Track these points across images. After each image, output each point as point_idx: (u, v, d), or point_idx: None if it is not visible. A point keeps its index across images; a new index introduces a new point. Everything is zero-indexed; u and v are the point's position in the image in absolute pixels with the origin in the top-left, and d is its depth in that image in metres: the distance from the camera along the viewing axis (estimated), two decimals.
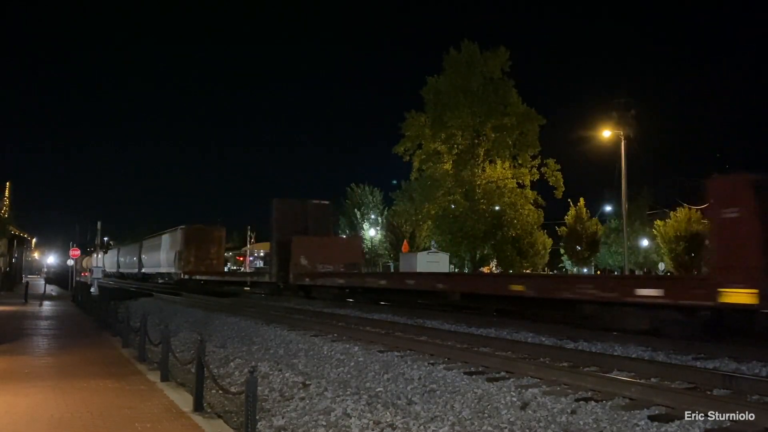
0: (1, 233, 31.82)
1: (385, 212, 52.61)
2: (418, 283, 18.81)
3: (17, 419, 6.00)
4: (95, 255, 54.95)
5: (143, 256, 49.37)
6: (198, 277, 35.30)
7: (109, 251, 71.06)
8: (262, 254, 66.23)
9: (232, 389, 7.14)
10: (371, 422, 6.10)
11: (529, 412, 6.35)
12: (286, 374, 8.60)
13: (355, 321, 15.18)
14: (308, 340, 11.94)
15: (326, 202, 29.98)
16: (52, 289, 38.74)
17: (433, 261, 33.83)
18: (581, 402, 6.50)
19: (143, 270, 49.63)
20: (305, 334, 12.78)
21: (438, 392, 7.38)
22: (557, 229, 50.33)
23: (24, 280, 44.07)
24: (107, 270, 66.95)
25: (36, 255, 76.59)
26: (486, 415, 6.35)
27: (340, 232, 58.67)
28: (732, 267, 9.40)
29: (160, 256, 43.03)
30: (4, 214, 31.35)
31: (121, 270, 60.98)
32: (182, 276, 36.92)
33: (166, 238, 42.44)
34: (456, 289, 16.93)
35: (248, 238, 77.27)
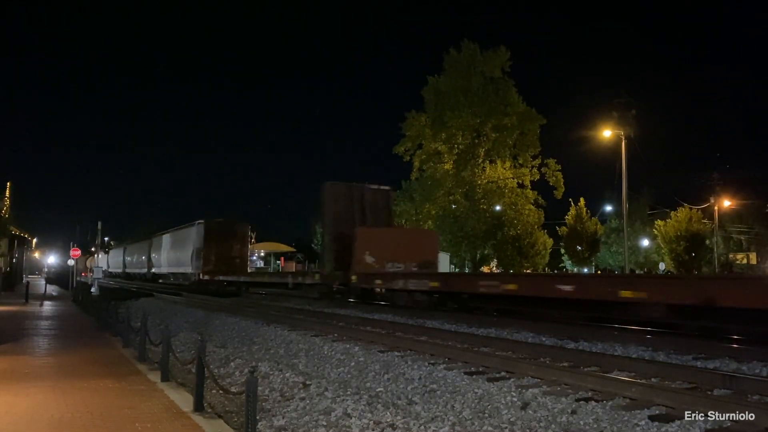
0: (2, 233, 31.83)
1: None
2: (581, 288, 12.49)
3: (17, 419, 6.00)
4: (97, 255, 54.26)
5: (153, 255, 45.32)
6: (222, 278, 31.66)
7: (113, 250, 68.91)
8: (262, 254, 65.94)
9: (233, 389, 7.14)
10: (371, 422, 6.10)
11: (530, 412, 6.35)
12: (287, 374, 8.60)
13: (356, 321, 15.15)
14: (309, 340, 11.93)
15: (387, 188, 25.57)
16: (52, 289, 38.77)
17: None
18: (582, 402, 6.49)
19: (153, 270, 45.80)
20: (306, 334, 12.77)
21: (438, 392, 7.37)
22: (557, 229, 50.39)
23: (24, 280, 44.12)
24: (112, 270, 64.32)
25: (37, 255, 76.61)
26: (486, 415, 6.34)
27: None
28: None
29: (174, 255, 39.07)
30: (5, 214, 31.36)
31: (127, 270, 57.11)
32: (201, 277, 33.30)
33: (181, 235, 38.23)
34: (659, 298, 10.97)
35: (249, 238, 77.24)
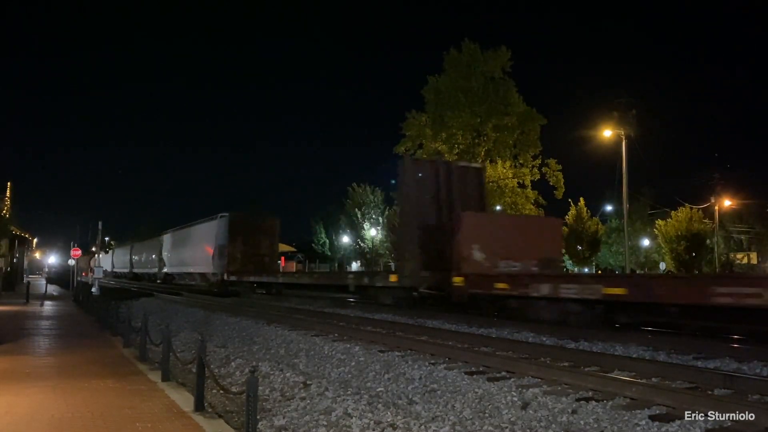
0: (2, 233, 31.84)
1: (386, 212, 52.54)
2: None
3: (18, 419, 6.00)
4: (98, 254, 53.97)
5: (165, 254, 41.66)
6: (253, 279, 28.26)
7: (119, 249, 67.51)
8: None
9: (233, 389, 7.14)
10: (372, 422, 6.09)
11: (530, 411, 6.35)
12: (287, 374, 8.60)
13: (356, 321, 15.15)
14: (309, 340, 11.93)
15: (478, 166, 20.71)
16: (53, 289, 38.81)
17: None
18: (582, 402, 6.49)
19: (165, 270, 41.99)
20: (306, 334, 12.77)
21: (439, 392, 7.37)
22: None
23: (25, 280, 44.14)
24: (117, 270, 62.92)
25: (37, 255, 76.66)
26: (487, 414, 6.34)
27: (341, 231, 58.49)
28: None
29: (192, 253, 35.32)
30: (5, 214, 31.38)
31: (135, 270, 53.84)
32: (226, 277, 29.70)
33: (200, 230, 34.42)
34: None
35: None
